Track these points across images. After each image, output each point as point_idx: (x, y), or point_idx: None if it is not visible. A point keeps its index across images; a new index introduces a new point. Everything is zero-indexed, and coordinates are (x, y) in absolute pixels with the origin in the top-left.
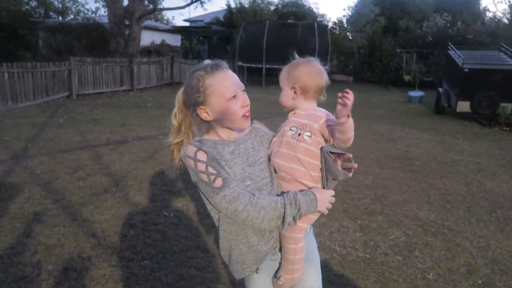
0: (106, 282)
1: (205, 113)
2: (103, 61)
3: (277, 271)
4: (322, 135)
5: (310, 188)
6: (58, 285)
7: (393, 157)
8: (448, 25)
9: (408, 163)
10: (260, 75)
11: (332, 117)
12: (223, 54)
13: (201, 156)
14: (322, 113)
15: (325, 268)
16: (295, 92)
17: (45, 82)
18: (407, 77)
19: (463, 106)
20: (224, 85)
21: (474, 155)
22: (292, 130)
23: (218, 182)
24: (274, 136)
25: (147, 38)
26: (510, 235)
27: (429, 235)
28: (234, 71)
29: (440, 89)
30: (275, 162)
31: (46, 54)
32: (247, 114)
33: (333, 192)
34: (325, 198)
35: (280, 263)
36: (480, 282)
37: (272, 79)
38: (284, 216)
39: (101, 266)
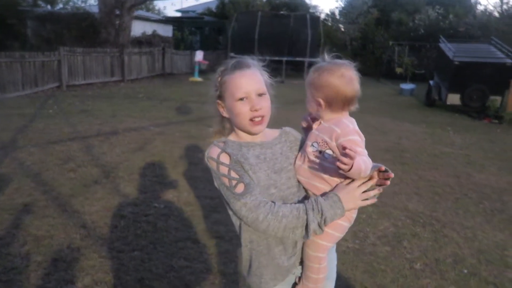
0: (96, 272)
1: (222, 108)
2: (93, 51)
3: (294, 285)
4: None
5: (333, 188)
6: (48, 276)
7: (384, 149)
8: (440, 17)
9: (399, 155)
10: None
11: (354, 136)
12: (215, 45)
13: (224, 158)
14: (342, 128)
15: None
16: (318, 104)
17: (34, 72)
18: (399, 70)
19: (454, 98)
20: (236, 84)
21: (463, 147)
22: (313, 146)
23: (240, 188)
24: (303, 139)
25: (138, 29)
26: (496, 226)
27: (417, 226)
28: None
29: (431, 82)
30: (298, 178)
31: (35, 43)
32: (256, 119)
33: (357, 183)
34: (351, 194)
35: (299, 278)
36: (466, 271)
37: (265, 71)
38: (307, 223)
39: (91, 257)
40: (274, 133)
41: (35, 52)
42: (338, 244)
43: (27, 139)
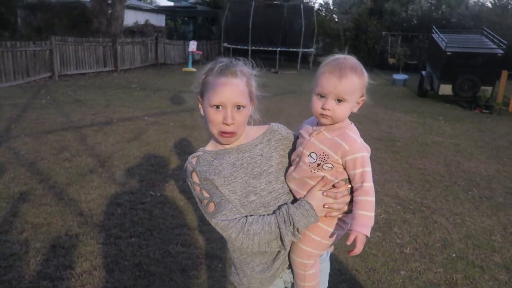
0: (95, 258)
1: (200, 105)
2: (85, 41)
3: None
4: (344, 168)
5: (305, 196)
6: (47, 262)
7: (376, 138)
8: (433, 8)
9: (390, 144)
10: (246, 57)
11: (363, 153)
12: (208, 35)
13: (195, 177)
14: (351, 144)
15: None
16: (358, 105)
17: (26, 62)
18: (391, 60)
19: (445, 89)
20: (215, 90)
21: (454, 136)
22: (311, 157)
23: (211, 207)
24: (295, 137)
25: (131, 18)
26: (484, 212)
27: (408, 212)
28: (219, 53)
29: (424, 72)
30: (289, 185)
31: (26, 33)
32: (226, 133)
33: (318, 189)
34: (320, 203)
35: (292, 283)
36: (454, 255)
37: (257, 61)
38: (281, 237)
39: (89, 244)
40: (258, 131)
41: (26, 41)
42: None
43: (21, 129)
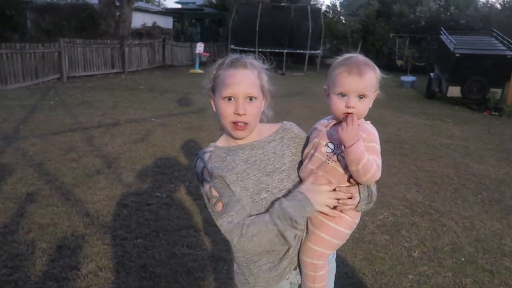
0: (100, 259)
1: (212, 102)
2: (93, 43)
3: None
4: None
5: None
6: (53, 262)
7: (384, 140)
8: (441, 9)
9: (398, 146)
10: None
11: (376, 145)
12: (216, 37)
13: (206, 174)
14: (368, 134)
15: None
16: (373, 98)
17: (35, 64)
18: (399, 62)
19: (454, 91)
20: (226, 82)
21: (463, 139)
22: (328, 147)
23: (219, 207)
24: (306, 137)
25: (138, 20)
26: (494, 215)
27: (416, 215)
28: (226, 54)
29: (432, 74)
30: (302, 177)
31: (35, 35)
32: (238, 124)
33: (326, 187)
34: (320, 196)
35: (294, 284)
36: (463, 259)
37: (268, 57)
38: (281, 233)
39: (95, 244)
40: (271, 129)
41: (35, 43)
42: None
43: (29, 130)
